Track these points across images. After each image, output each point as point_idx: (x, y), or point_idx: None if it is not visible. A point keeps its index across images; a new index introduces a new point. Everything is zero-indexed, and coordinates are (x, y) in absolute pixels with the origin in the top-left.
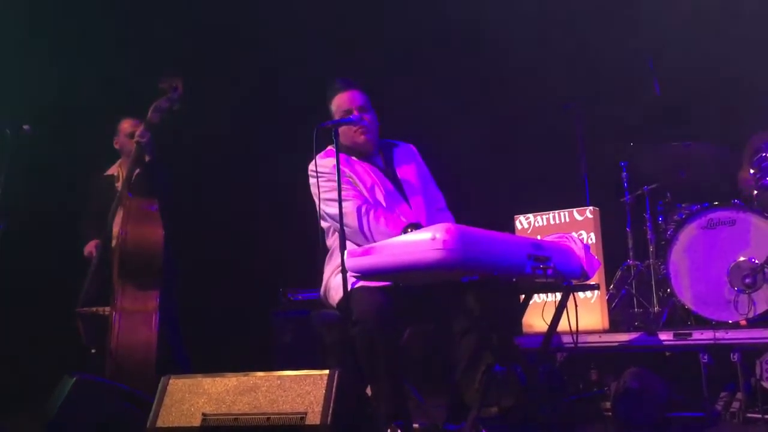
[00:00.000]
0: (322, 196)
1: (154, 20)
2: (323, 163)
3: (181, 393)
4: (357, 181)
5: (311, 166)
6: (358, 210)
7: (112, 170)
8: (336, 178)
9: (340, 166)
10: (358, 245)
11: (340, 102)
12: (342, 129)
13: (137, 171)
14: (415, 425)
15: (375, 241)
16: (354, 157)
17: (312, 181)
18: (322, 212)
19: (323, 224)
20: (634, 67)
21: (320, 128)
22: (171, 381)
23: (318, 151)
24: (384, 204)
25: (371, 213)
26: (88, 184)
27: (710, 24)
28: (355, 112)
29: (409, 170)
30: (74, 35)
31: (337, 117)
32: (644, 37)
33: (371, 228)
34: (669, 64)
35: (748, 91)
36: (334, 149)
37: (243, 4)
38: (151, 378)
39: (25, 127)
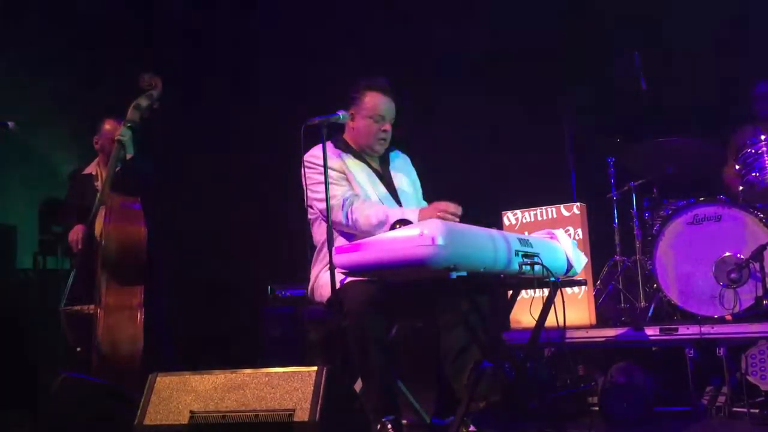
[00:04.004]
0: (312, 187)
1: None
2: (319, 154)
3: (168, 390)
4: (351, 177)
5: (307, 156)
6: (343, 203)
7: (90, 169)
8: (328, 170)
9: (336, 161)
10: (347, 236)
11: (376, 102)
12: (359, 124)
13: (118, 168)
14: (403, 420)
15: (359, 232)
16: (351, 155)
17: (306, 171)
18: (310, 201)
19: (310, 215)
20: (622, 62)
21: (308, 124)
22: (158, 378)
23: (306, 148)
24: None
25: (354, 205)
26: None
27: (696, 19)
28: (387, 125)
29: (404, 178)
30: None
31: (362, 112)
32: (631, 32)
33: (355, 220)
34: (656, 60)
35: (733, 86)
36: (332, 143)
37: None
38: (137, 375)
39: (10, 124)
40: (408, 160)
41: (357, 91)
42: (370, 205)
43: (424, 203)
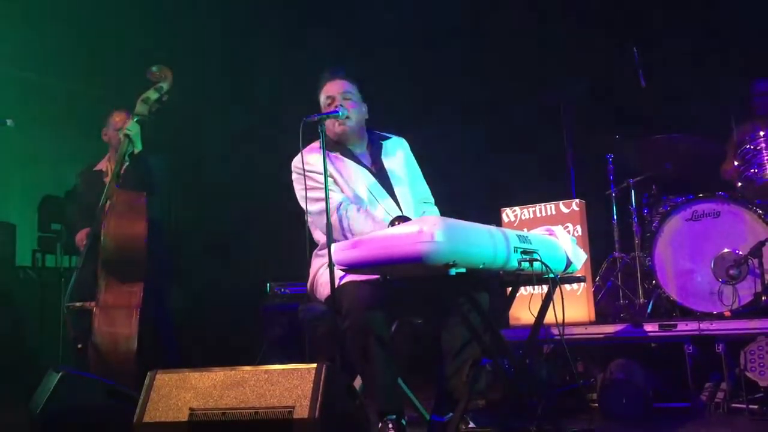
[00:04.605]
0: (303, 194)
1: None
2: (306, 160)
3: (168, 388)
4: (339, 178)
5: (294, 162)
6: (337, 208)
7: (101, 165)
8: (316, 175)
9: (322, 164)
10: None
11: (326, 90)
12: (326, 121)
13: (125, 163)
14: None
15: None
16: (338, 153)
17: (294, 177)
18: (306, 208)
19: (308, 219)
20: (620, 59)
21: (306, 121)
22: (158, 376)
23: (305, 145)
24: (366, 200)
25: (349, 210)
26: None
27: (693, 14)
28: (337, 101)
29: (397, 162)
30: None
31: (322, 105)
32: (629, 28)
33: (350, 225)
34: (654, 56)
35: (733, 83)
36: (319, 144)
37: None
38: (133, 373)
39: (9, 121)
40: (405, 146)
41: (319, 92)
42: (372, 217)
43: (425, 187)
